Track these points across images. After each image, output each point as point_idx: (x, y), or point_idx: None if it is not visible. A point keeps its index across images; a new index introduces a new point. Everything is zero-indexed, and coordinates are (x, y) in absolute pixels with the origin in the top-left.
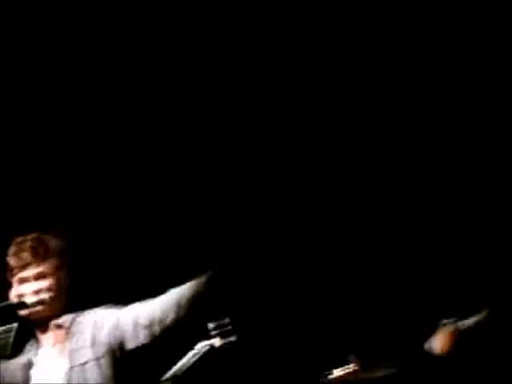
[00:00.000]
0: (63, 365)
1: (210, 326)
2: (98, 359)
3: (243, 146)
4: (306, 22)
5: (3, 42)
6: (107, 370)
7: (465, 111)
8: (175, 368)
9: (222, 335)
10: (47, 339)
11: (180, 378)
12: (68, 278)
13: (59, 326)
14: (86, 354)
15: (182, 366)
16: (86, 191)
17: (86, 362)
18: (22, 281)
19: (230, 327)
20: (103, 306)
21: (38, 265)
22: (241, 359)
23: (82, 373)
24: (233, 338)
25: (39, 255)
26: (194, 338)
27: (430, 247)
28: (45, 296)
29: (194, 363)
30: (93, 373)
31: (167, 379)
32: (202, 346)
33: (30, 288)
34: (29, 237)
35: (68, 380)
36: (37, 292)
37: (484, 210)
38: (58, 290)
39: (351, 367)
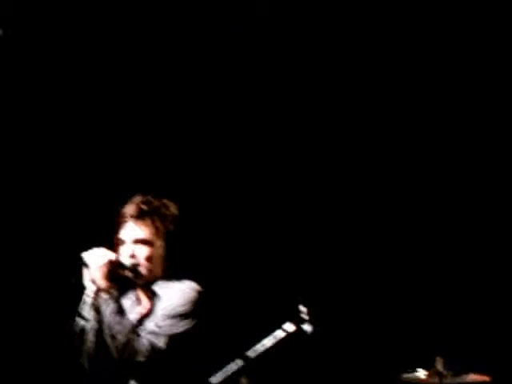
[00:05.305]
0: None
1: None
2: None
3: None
4: (306, 21)
5: (3, 42)
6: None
7: (465, 111)
8: (257, 346)
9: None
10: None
11: (253, 361)
12: (166, 249)
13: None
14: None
15: (260, 346)
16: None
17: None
18: (122, 242)
19: (306, 315)
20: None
21: (139, 229)
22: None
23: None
24: (308, 327)
25: (143, 219)
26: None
27: None
28: (138, 262)
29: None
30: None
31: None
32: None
33: (127, 250)
34: (140, 198)
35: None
36: (132, 256)
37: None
38: (153, 257)
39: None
